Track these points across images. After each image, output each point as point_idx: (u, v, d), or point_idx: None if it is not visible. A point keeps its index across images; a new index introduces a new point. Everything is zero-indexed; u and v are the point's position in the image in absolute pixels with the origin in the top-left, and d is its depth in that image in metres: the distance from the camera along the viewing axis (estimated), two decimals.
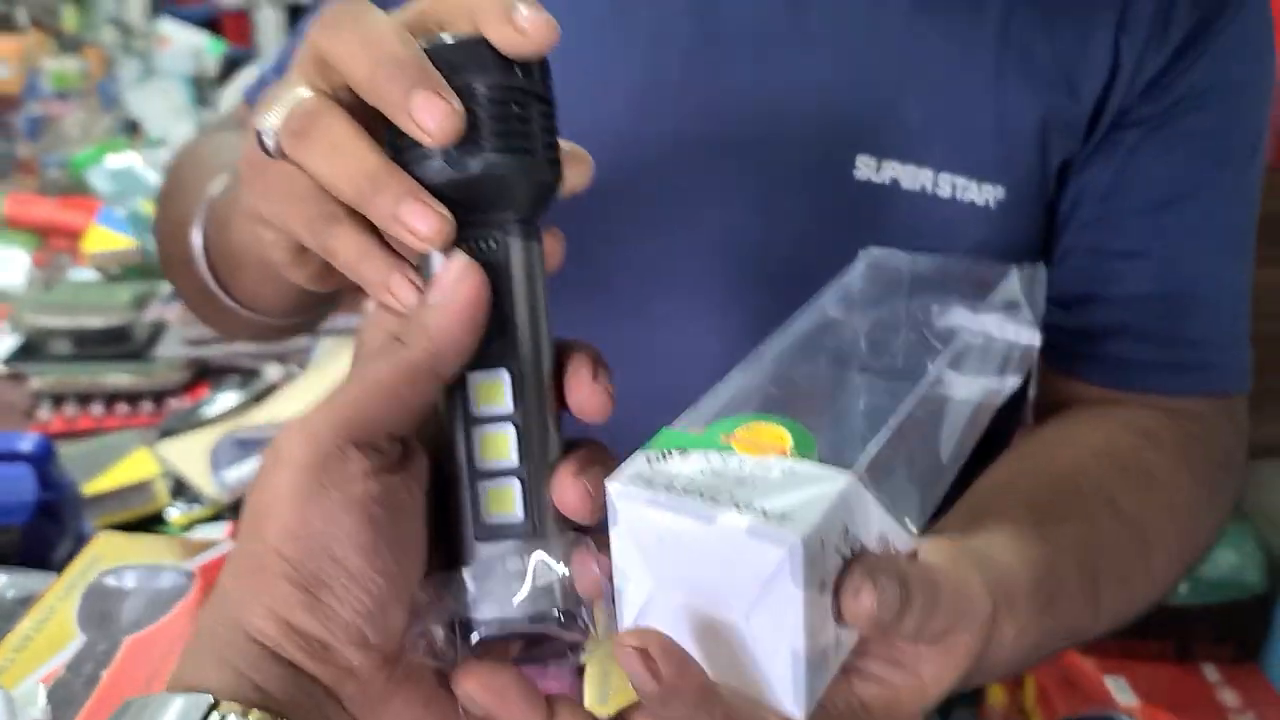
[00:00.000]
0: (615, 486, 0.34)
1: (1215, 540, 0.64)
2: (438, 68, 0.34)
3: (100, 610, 0.54)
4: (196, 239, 0.56)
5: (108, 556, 0.58)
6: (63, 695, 0.49)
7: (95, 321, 1.29)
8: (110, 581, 0.56)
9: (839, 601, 0.33)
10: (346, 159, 0.34)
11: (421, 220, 0.33)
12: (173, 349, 1.26)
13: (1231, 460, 0.64)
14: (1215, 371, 0.63)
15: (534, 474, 0.35)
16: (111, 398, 1.21)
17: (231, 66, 2.66)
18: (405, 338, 0.34)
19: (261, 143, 0.36)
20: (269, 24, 2.66)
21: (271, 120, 0.36)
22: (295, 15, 2.82)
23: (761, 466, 0.33)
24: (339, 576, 0.32)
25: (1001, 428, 0.62)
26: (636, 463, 0.35)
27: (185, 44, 2.67)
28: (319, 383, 1.20)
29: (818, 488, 0.32)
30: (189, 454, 1.09)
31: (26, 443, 0.87)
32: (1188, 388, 0.62)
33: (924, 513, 0.37)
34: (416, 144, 0.34)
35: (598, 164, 0.61)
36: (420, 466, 0.35)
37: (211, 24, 2.89)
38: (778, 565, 0.31)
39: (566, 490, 0.35)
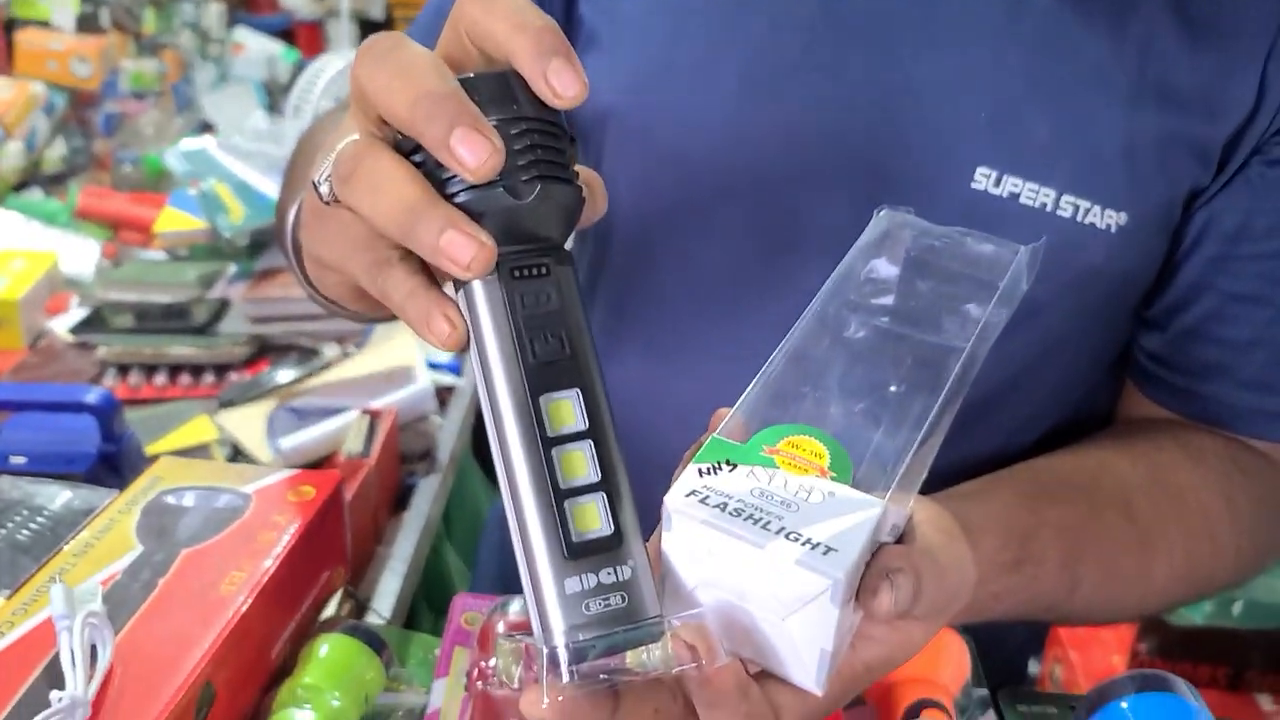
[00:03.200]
0: (673, 502, 0.37)
1: (1246, 575, 0.63)
2: (475, 100, 0.34)
3: (159, 525, 0.55)
4: (288, 240, 0.57)
5: (168, 478, 0.59)
6: (120, 597, 0.50)
7: (161, 297, 1.32)
8: (170, 499, 0.57)
9: (861, 600, 0.37)
10: (388, 195, 0.35)
11: (463, 249, 0.34)
12: (236, 325, 1.28)
13: None
14: None
15: (614, 486, 0.36)
16: (175, 369, 1.23)
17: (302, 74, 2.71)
18: None
19: (317, 191, 0.38)
20: (341, 35, 2.72)
21: (324, 170, 0.38)
22: (365, 29, 2.89)
23: (804, 488, 0.38)
24: None
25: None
26: (690, 478, 0.38)
27: (260, 52, 2.74)
28: (374, 361, 1.22)
29: (856, 516, 0.37)
30: (246, 422, 1.11)
31: (91, 395, 0.89)
32: (1275, 435, 0.60)
33: (922, 475, 0.41)
34: (458, 176, 0.35)
35: (702, 149, 0.61)
36: None
37: (286, 34, 2.97)
38: (821, 591, 0.35)
39: None
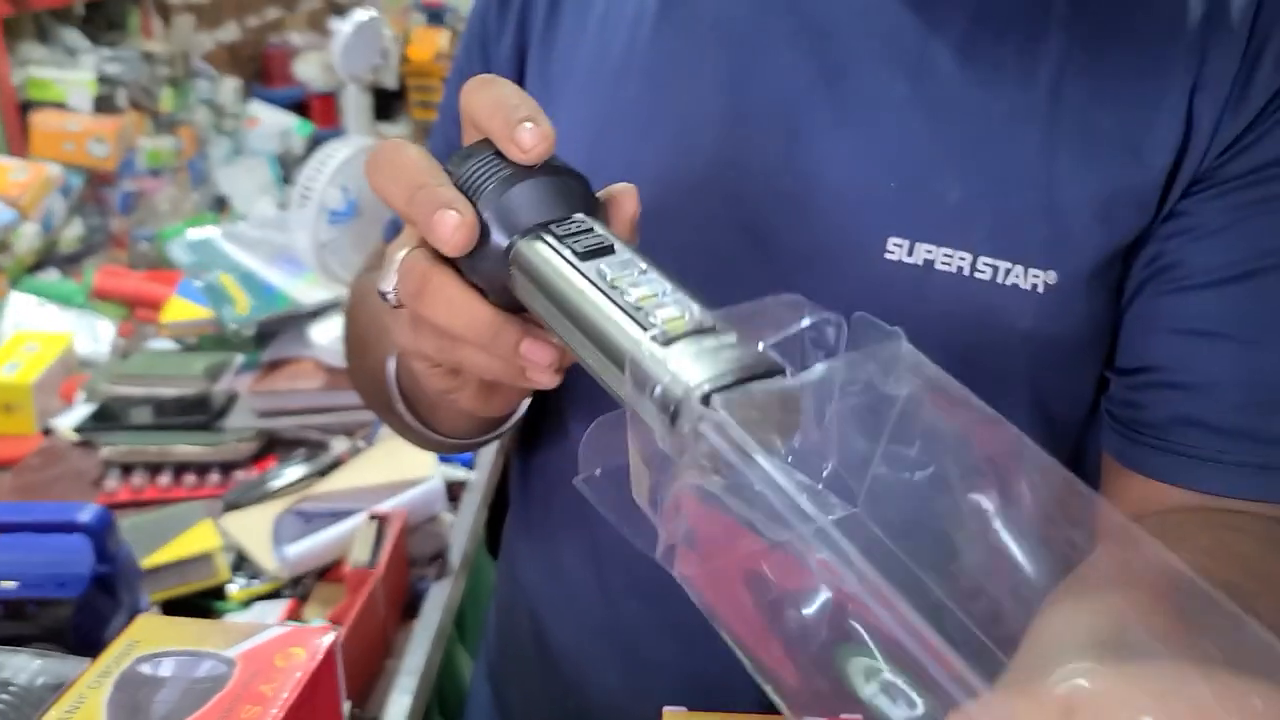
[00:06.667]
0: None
1: None
2: (456, 168, 0.42)
3: (133, 701, 0.50)
4: (393, 386, 0.60)
5: (146, 641, 0.54)
6: None
7: (169, 391, 1.29)
8: (145, 669, 0.52)
9: None
10: (463, 315, 0.41)
11: (539, 353, 0.41)
12: (243, 419, 1.25)
13: None
14: None
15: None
16: (180, 468, 1.20)
17: (317, 145, 2.72)
18: None
19: (386, 299, 0.45)
20: (354, 107, 2.72)
21: (388, 284, 0.44)
22: (380, 99, 2.89)
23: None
24: None
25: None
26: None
27: (274, 124, 2.75)
28: (384, 457, 1.17)
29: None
30: (252, 527, 1.07)
31: (85, 514, 0.85)
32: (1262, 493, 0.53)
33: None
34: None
35: None
36: None
37: (300, 106, 2.97)
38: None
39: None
